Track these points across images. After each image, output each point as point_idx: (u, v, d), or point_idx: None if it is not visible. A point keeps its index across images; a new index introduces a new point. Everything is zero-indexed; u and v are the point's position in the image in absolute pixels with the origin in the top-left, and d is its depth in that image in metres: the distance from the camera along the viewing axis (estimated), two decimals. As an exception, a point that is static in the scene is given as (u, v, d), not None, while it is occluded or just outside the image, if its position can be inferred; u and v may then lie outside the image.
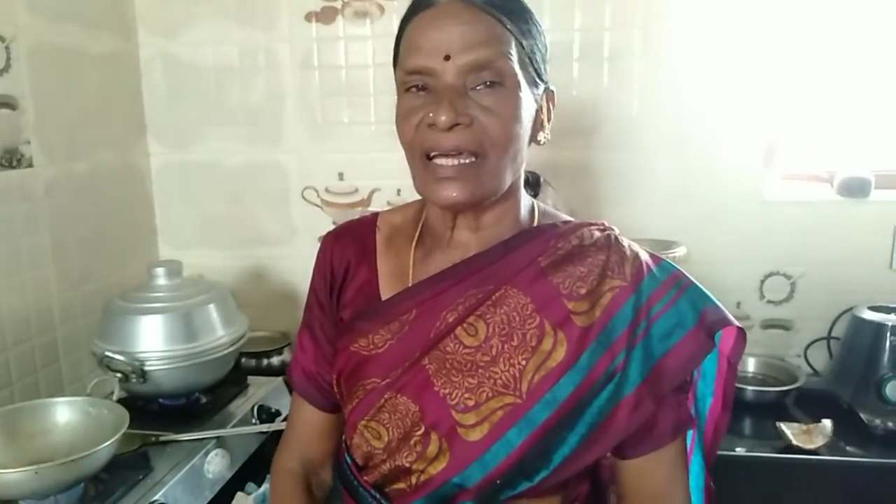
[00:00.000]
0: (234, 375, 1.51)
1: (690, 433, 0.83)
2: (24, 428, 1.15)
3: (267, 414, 1.45)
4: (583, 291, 0.77)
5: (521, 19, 0.75)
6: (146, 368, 1.31)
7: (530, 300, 0.77)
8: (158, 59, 1.84)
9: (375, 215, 0.92)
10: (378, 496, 0.82)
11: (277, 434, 1.43)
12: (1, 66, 1.36)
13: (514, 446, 0.74)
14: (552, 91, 0.82)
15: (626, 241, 0.82)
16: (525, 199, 0.85)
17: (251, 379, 1.58)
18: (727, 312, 0.78)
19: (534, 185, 0.93)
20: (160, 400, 1.41)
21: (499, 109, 0.72)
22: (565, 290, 0.77)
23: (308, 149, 1.84)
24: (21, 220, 1.42)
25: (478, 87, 0.72)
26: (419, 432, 0.77)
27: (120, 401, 1.26)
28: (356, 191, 1.85)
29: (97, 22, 1.66)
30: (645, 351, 0.76)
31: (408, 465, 0.78)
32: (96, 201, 1.65)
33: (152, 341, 1.32)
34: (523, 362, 0.75)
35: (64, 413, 1.19)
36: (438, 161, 0.73)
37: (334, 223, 1.86)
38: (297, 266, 1.90)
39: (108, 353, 1.29)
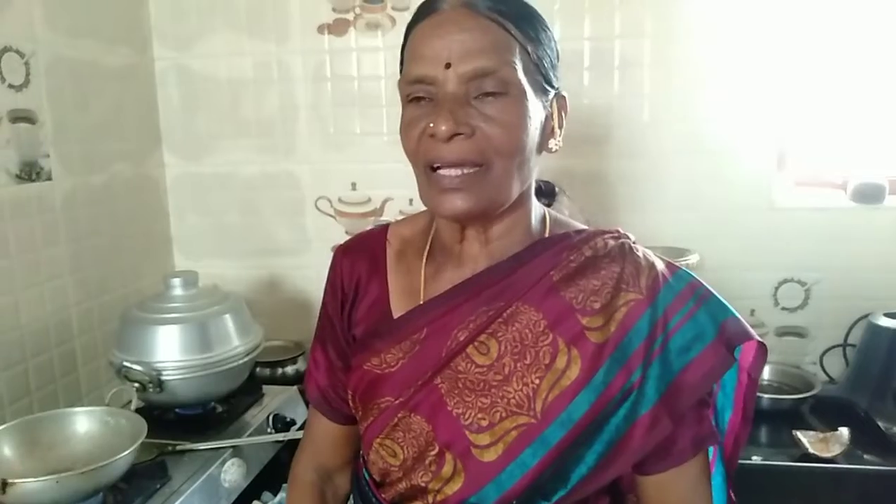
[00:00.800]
0: (249, 385, 1.52)
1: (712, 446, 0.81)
2: (44, 437, 1.17)
3: (282, 423, 1.45)
4: (597, 306, 0.75)
5: (527, 25, 0.73)
6: (163, 378, 1.32)
7: (542, 316, 0.75)
8: (173, 72, 1.86)
9: (385, 227, 0.91)
10: None
11: (293, 443, 1.44)
12: (21, 81, 1.39)
13: (529, 467, 0.73)
14: (564, 97, 0.79)
15: (640, 251, 0.80)
16: (536, 208, 0.83)
17: (266, 388, 1.59)
18: (747, 325, 0.76)
19: (548, 194, 0.91)
20: (176, 409, 1.42)
21: (502, 118, 0.70)
22: (578, 306, 0.75)
23: (321, 159, 1.86)
24: (40, 232, 1.44)
25: (480, 96, 0.70)
26: (433, 452, 0.77)
27: (137, 410, 1.28)
28: (369, 200, 1.86)
29: (113, 36, 1.68)
30: (662, 366, 0.73)
31: (423, 484, 0.78)
32: (113, 213, 1.67)
33: (169, 351, 1.34)
34: (537, 381, 0.74)
35: (83, 423, 1.20)
36: (442, 172, 0.72)
37: (347, 233, 1.88)
38: (311, 275, 1.91)
39: (125, 363, 1.31)
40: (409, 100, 0.74)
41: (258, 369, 1.70)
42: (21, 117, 1.39)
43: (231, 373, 1.40)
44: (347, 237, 1.85)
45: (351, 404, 0.86)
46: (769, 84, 1.63)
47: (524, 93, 0.71)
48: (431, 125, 0.70)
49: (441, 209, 0.74)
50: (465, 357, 0.77)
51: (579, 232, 0.82)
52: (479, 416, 0.75)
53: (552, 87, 0.77)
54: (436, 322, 0.79)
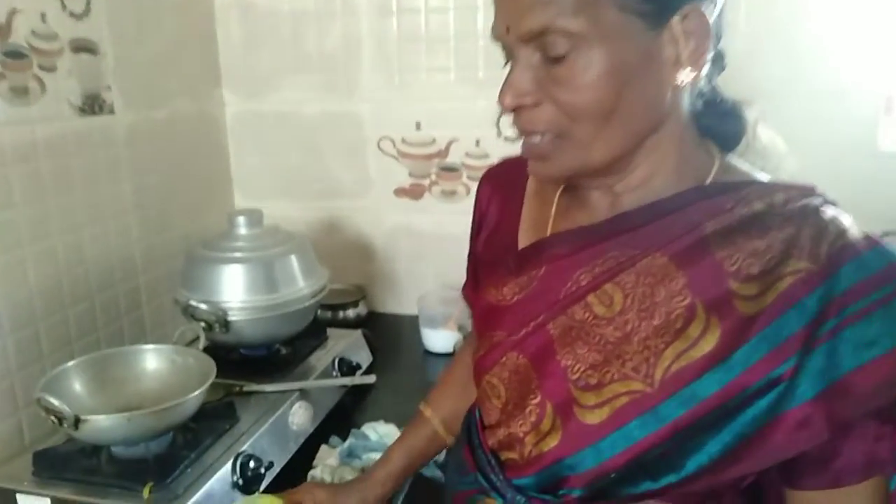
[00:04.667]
0: (312, 328, 1.49)
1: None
2: (113, 374, 1.16)
3: (347, 367, 1.42)
4: (755, 270, 0.61)
5: None
6: (229, 318, 1.29)
7: (683, 273, 0.63)
8: (234, 5, 1.79)
9: None
10: (494, 462, 0.76)
11: (357, 388, 1.41)
12: (81, 9, 1.33)
13: (635, 440, 0.63)
14: (698, 12, 0.61)
15: (830, 213, 0.63)
16: (693, 150, 0.69)
17: (330, 331, 1.55)
18: None
19: (735, 123, 0.72)
20: (241, 350, 1.40)
21: (573, 78, 0.60)
22: (731, 267, 0.62)
23: (384, 97, 1.77)
24: (104, 167, 1.41)
25: (548, 56, 0.61)
26: (535, 401, 0.70)
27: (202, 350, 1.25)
28: (434, 141, 1.78)
29: (173, -35, 1.61)
30: (828, 359, 0.59)
31: (521, 434, 0.72)
32: (174, 150, 1.63)
33: (235, 291, 1.30)
34: (661, 346, 0.63)
35: (151, 360, 1.19)
36: (525, 138, 0.67)
37: (410, 175, 1.81)
38: (372, 218, 1.86)
39: (192, 302, 1.28)
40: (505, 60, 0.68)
41: (319, 312, 1.66)
42: (82, 47, 1.34)
43: (296, 315, 1.36)
44: (410, 179, 1.81)
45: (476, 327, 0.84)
46: (879, 16, 1.47)
47: (606, 38, 0.59)
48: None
49: (532, 175, 0.73)
50: (584, 305, 0.68)
51: (754, 182, 0.67)
52: (589, 372, 0.67)
53: (671, 8, 0.60)
54: (557, 261, 0.71)
